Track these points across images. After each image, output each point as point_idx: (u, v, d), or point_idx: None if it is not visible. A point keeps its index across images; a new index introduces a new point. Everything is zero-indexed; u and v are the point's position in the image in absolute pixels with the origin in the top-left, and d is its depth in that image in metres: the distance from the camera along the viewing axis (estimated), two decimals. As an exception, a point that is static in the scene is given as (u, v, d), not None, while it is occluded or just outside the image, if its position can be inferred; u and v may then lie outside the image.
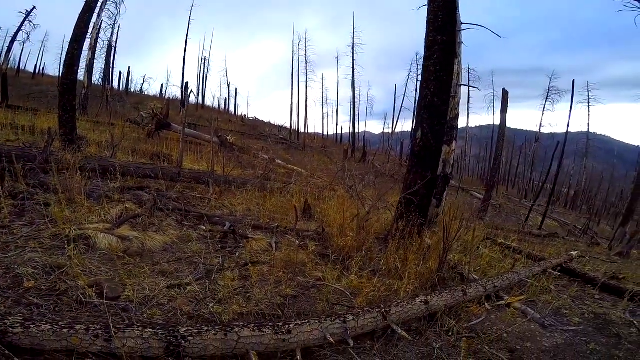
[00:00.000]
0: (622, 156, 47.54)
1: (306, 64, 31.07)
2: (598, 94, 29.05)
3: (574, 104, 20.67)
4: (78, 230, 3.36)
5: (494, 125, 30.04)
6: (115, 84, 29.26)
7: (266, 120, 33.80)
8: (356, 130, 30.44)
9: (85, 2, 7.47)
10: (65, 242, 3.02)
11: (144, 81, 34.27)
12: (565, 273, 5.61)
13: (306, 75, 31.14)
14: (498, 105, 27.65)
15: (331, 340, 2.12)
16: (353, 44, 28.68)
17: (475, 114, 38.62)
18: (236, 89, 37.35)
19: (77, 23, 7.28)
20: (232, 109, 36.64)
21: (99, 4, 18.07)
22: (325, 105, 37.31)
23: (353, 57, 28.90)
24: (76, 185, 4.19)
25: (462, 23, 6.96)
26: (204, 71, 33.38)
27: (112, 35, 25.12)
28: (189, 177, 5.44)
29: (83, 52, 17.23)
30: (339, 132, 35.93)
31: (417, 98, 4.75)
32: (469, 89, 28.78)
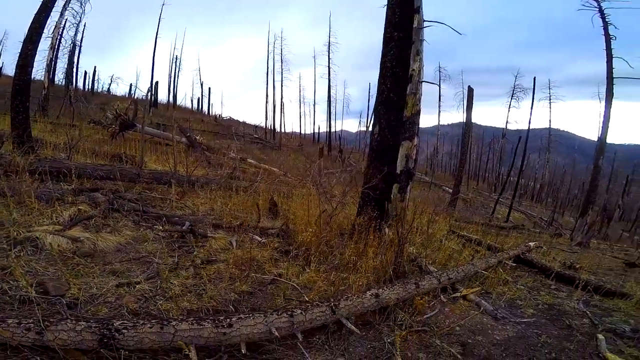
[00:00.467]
0: (583, 151, 50.37)
1: (282, 63, 31.13)
2: (559, 92, 30.69)
3: (536, 101, 21.69)
4: (26, 232, 3.26)
5: (464, 122, 31.10)
6: (80, 84, 28.09)
7: (241, 119, 33.52)
8: (333, 129, 30.67)
9: (42, 1, 7.18)
10: (12, 244, 2.94)
11: (111, 81, 32.80)
12: (523, 264, 5.69)
13: (281, 74, 31.18)
14: (472, 104, 28.71)
15: (276, 334, 2.13)
16: (329, 43, 28.97)
17: (446, 111, 39.89)
18: (209, 88, 36.77)
19: (31, 23, 6.98)
20: (205, 108, 36.04)
21: (62, 3, 17.34)
22: (302, 104, 37.46)
23: (329, 56, 29.20)
24: (26, 188, 4.04)
25: (424, 20, 7.15)
26: (175, 70, 32.67)
27: (76, 34, 24.17)
28: (150, 177, 5.32)
29: (44, 51, 16.52)
30: (316, 130, 36.12)
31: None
32: (439, 88, 29.66)
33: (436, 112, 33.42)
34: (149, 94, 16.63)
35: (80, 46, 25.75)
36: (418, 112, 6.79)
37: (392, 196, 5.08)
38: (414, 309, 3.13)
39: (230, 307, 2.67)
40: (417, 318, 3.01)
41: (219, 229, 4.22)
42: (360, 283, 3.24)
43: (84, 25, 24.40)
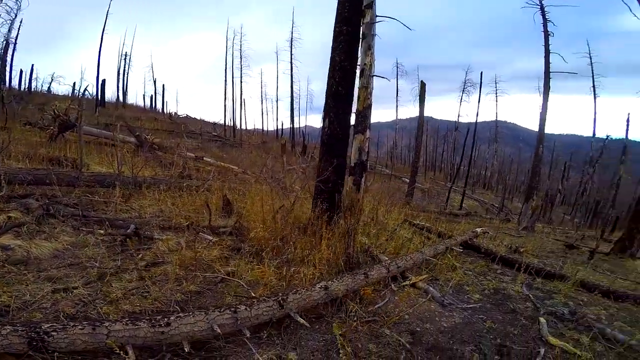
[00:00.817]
0: (527, 141, 54.47)
1: (241, 59, 30.66)
2: (506, 86, 32.93)
3: (484, 95, 23.06)
4: (-53, 244, 2.99)
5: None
6: (16, 84, 25.62)
7: (199, 117, 32.47)
8: (296, 125, 30.71)
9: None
10: None
11: (52, 80, 29.93)
12: (471, 249, 5.91)
13: (241, 71, 30.70)
14: (424, 98, 30.23)
15: (219, 331, 2.12)
16: (292, 38, 28.91)
17: (404, 106, 41.36)
18: (163, 85, 35.06)
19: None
20: (159, 106, 34.47)
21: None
22: (264, 101, 37.00)
23: (291, 51, 29.17)
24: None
25: (376, 15, 7.33)
26: (125, 68, 30.87)
27: (10, 31, 21.99)
28: (92, 180, 5.00)
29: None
30: (280, 127, 35.83)
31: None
32: (397, 83, 30.64)
33: (395, 107, 34.48)
34: (86, 91, 15.51)
35: (15, 44, 23.51)
36: (369, 106, 6.96)
37: (347, 188, 5.21)
38: (365, 300, 3.16)
39: (176, 307, 2.62)
40: (369, 308, 3.05)
41: (168, 230, 4.10)
42: (312, 276, 3.25)
43: (20, 22, 22.34)
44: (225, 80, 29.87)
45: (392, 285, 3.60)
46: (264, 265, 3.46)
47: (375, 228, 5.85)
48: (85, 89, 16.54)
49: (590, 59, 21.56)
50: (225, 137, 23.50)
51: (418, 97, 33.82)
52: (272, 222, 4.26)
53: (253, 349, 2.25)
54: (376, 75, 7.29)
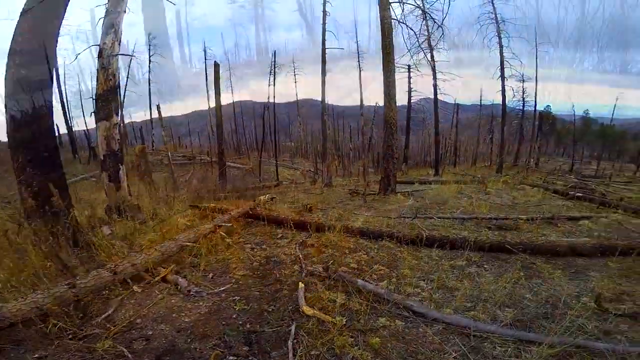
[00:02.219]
0: (330, 114, 63.80)
1: None
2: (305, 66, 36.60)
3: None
4: None
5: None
6: None
7: None
8: (79, 127, 24.93)
9: None
10: None
11: None
12: (252, 218, 5.97)
13: None
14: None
15: None
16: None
17: (224, 92, 40.71)
18: None
19: None
20: None
21: None
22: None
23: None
24: None
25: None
26: None
27: None
28: None
29: None
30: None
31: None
32: (206, 68, 29.35)
33: (203, 93, 33.29)
34: None
35: None
36: (112, 88, 6.10)
37: (104, 185, 4.41)
38: (92, 311, 2.72)
39: None
40: (93, 321, 2.60)
41: None
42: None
43: None
44: None
45: (136, 286, 3.20)
46: None
47: (153, 223, 5.36)
48: None
49: (357, 39, 26.36)
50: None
51: (230, 83, 33.61)
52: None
53: None
54: (122, 54, 6.49)
